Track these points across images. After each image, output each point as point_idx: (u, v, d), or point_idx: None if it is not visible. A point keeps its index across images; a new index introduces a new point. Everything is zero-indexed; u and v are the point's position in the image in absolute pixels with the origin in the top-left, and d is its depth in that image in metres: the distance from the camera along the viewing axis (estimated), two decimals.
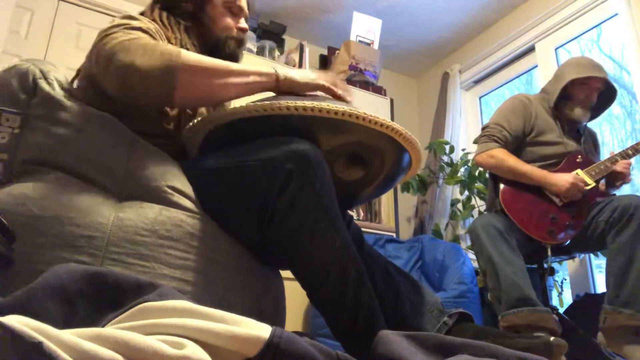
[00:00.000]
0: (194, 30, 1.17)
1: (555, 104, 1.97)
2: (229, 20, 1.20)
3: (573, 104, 1.95)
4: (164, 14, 1.13)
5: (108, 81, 0.90)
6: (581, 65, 1.93)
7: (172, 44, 1.07)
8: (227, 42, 1.19)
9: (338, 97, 1.06)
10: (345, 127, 0.94)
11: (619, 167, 1.83)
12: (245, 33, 1.24)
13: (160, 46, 0.90)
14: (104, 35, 0.93)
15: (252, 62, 2.70)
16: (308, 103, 0.90)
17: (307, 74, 1.05)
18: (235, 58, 1.21)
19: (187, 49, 1.10)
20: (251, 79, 0.98)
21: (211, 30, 1.19)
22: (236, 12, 1.22)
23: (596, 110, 2.01)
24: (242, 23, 1.23)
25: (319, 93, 1.08)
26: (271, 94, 1.02)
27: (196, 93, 0.93)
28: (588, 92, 1.93)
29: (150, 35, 0.98)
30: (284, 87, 1.01)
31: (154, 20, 1.10)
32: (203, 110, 1.15)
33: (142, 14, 1.14)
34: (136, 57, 0.87)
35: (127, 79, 0.87)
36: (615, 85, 1.96)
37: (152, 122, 1.02)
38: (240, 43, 1.23)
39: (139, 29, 0.97)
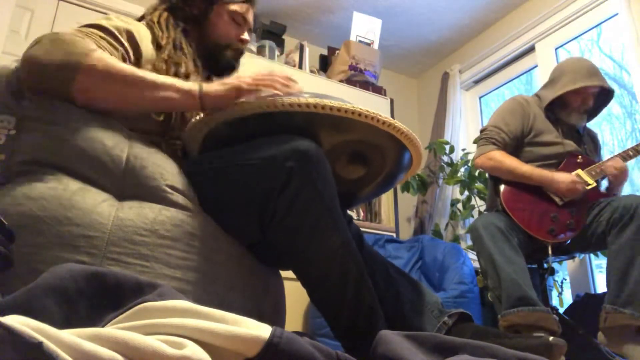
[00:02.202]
0: (194, 33, 1.18)
1: (551, 109, 1.97)
2: (232, 30, 1.22)
3: (569, 110, 1.96)
4: (164, 15, 1.14)
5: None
6: (575, 73, 1.91)
7: (160, 43, 1.08)
8: (225, 50, 1.21)
9: (278, 88, 0.96)
10: (346, 125, 0.94)
11: (610, 169, 1.82)
12: (246, 44, 1.25)
13: (73, 43, 0.88)
14: None
15: (252, 62, 2.70)
16: (311, 100, 0.90)
17: (228, 81, 0.97)
18: (230, 67, 1.22)
19: (182, 48, 1.11)
20: (168, 94, 0.93)
21: (211, 37, 1.20)
22: (240, 23, 1.23)
23: (593, 109, 2.01)
24: (245, 35, 1.24)
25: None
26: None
27: (98, 96, 0.90)
28: (583, 98, 1.93)
29: (113, 35, 0.98)
30: (207, 105, 0.95)
31: (151, 21, 1.11)
32: None
33: (143, 15, 1.16)
34: (40, 50, 0.86)
35: (27, 68, 0.86)
36: (613, 84, 1.96)
37: (143, 117, 1.01)
38: (238, 53, 1.24)
39: (98, 27, 0.97)
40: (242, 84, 0.96)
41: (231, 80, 0.97)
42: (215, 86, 0.96)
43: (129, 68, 0.92)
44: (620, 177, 1.83)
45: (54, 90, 0.88)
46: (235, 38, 1.23)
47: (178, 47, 1.11)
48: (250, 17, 1.25)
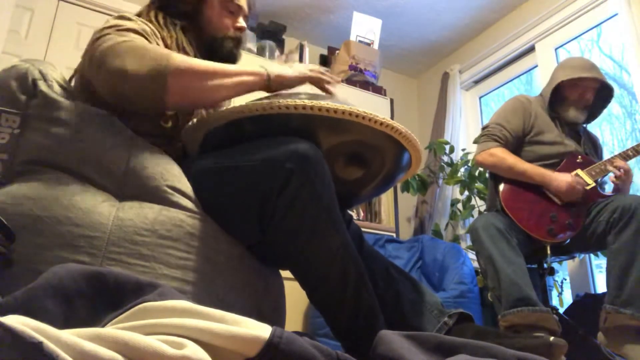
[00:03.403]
0: (191, 30, 1.17)
1: (552, 105, 1.98)
2: (226, 20, 1.19)
3: (567, 105, 1.97)
4: (160, 14, 1.13)
5: (100, 85, 0.91)
6: (572, 67, 1.94)
7: (167, 43, 1.07)
8: (224, 42, 1.18)
9: (325, 87, 1.15)
10: (344, 126, 0.94)
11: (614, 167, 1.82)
12: (243, 32, 1.23)
13: (151, 50, 0.90)
14: (97, 37, 0.93)
15: (252, 62, 2.70)
16: (307, 102, 0.90)
17: (297, 68, 1.10)
18: (232, 57, 1.20)
19: (184, 48, 1.10)
20: (242, 79, 0.99)
21: (207, 30, 1.18)
22: (234, 11, 1.21)
23: (594, 110, 2.02)
24: (240, 22, 1.22)
25: (315, 90, 1.12)
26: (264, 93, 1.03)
27: (189, 96, 0.94)
28: (581, 92, 1.94)
29: (144, 37, 0.98)
30: (275, 85, 1.04)
31: (149, 20, 1.10)
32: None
33: (139, 14, 1.14)
34: (126, 61, 0.87)
35: (117, 84, 0.88)
36: (613, 84, 1.96)
37: (150, 122, 1.01)
38: (237, 42, 1.22)
39: (132, 30, 0.97)
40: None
41: (300, 67, 1.10)
42: (281, 69, 1.07)
43: (204, 61, 0.96)
44: (626, 179, 1.82)
45: (147, 99, 0.90)
46: (232, 27, 1.20)
47: (180, 46, 1.10)
48: (243, 2, 1.22)
